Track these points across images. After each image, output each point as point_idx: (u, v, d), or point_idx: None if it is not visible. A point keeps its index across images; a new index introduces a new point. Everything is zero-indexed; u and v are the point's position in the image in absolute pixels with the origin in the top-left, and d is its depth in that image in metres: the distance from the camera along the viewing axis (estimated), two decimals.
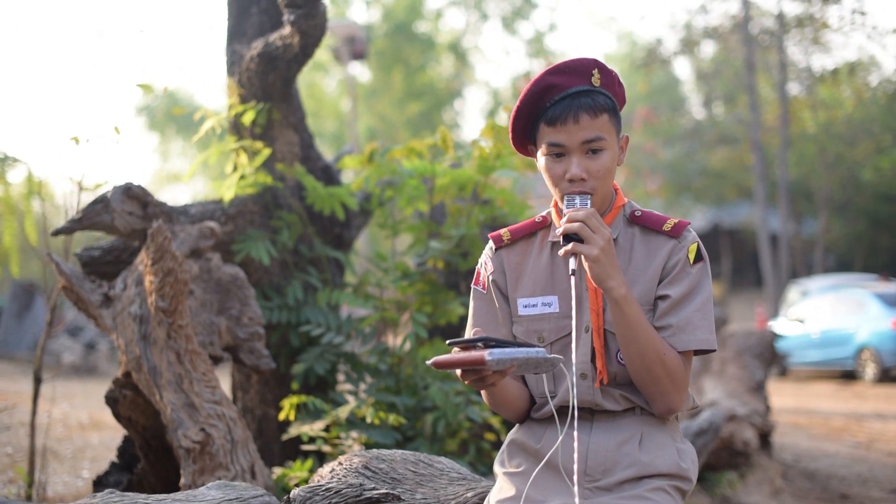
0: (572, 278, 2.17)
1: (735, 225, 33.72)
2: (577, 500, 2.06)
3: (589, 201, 2.23)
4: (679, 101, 36.71)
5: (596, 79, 2.26)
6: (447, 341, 2.06)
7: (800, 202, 30.77)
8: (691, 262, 2.28)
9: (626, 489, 2.19)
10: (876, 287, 18.23)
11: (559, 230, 2.20)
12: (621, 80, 2.33)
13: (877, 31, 26.86)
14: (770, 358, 9.28)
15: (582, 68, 2.26)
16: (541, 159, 2.32)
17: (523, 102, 2.30)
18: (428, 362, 1.98)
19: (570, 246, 2.15)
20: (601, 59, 2.29)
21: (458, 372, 2.08)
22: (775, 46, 26.18)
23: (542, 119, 2.27)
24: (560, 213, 2.30)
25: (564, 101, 2.24)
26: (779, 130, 25.45)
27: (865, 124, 28.14)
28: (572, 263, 2.16)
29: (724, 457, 6.71)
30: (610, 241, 2.16)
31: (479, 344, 1.99)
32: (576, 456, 2.11)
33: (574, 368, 2.24)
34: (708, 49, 31.51)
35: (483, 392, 2.37)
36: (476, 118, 44.05)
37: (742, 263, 35.07)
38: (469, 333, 2.39)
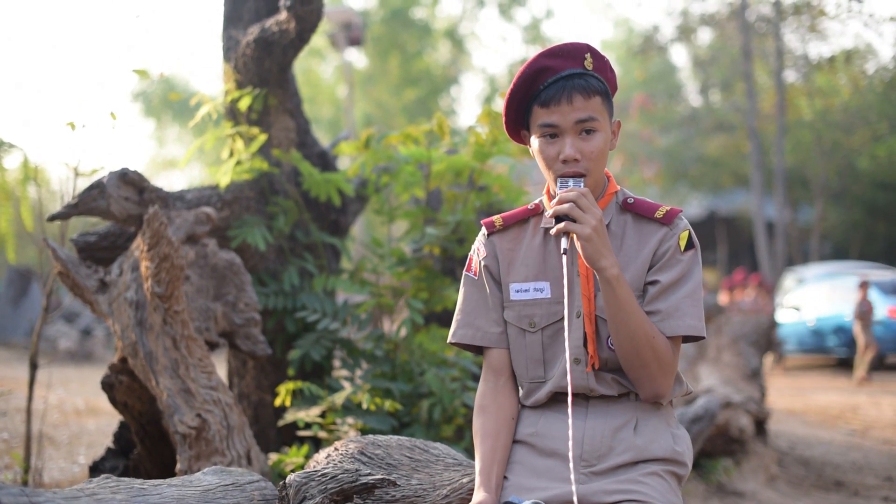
0: (564, 257, 2.16)
1: (731, 212, 33.69)
2: (573, 480, 2.06)
3: (582, 183, 2.22)
4: (675, 89, 36.60)
5: (589, 63, 2.28)
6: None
7: (796, 190, 30.75)
8: (682, 249, 2.29)
9: (621, 474, 2.20)
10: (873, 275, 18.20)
11: (548, 213, 2.19)
12: (613, 67, 2.35)
13: (873, 18, 26.85)
14: (766, 345, 9.31)
15: (575, 52, 2.27)
16: (534, 142, 2.31)
17: (517, 85, 2.31)
18: None
19: (562, 224, 2.15)
20: (597, 46, 2.31)
21: None
22: (772, 34, 26.11)
23: (536, 101, 2.28)
24: (552, 198, 2.29)
25: (558, 82, 2.25)
26: (775, 118, 25.40)
27: (862, 112, 28.07)
28: (564, 243, 2.15)
29: (719, 443, 6.73)
30: (601, 221, 2.16)
31: None
32: (568, 436, 2.12)
33: (568, 353, 2.25)
34: (705, 36, 31.41)
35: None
36: (472, 105, 43.92)
37: (738, 251, 35.07)
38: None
